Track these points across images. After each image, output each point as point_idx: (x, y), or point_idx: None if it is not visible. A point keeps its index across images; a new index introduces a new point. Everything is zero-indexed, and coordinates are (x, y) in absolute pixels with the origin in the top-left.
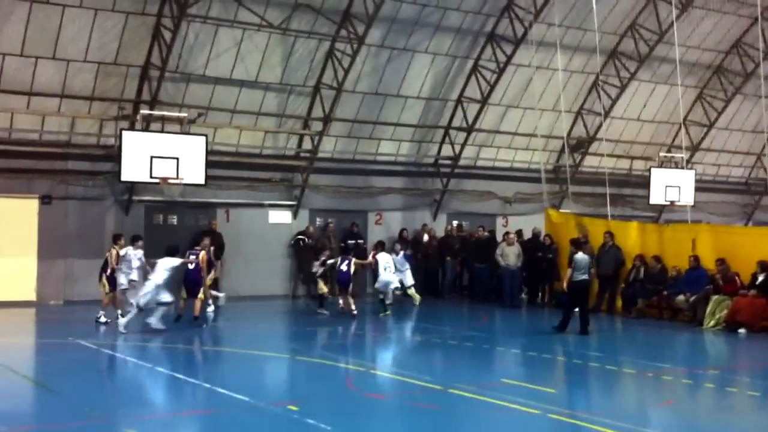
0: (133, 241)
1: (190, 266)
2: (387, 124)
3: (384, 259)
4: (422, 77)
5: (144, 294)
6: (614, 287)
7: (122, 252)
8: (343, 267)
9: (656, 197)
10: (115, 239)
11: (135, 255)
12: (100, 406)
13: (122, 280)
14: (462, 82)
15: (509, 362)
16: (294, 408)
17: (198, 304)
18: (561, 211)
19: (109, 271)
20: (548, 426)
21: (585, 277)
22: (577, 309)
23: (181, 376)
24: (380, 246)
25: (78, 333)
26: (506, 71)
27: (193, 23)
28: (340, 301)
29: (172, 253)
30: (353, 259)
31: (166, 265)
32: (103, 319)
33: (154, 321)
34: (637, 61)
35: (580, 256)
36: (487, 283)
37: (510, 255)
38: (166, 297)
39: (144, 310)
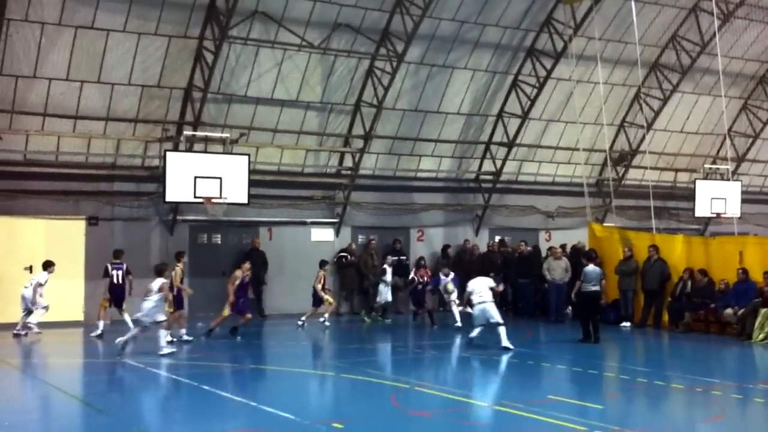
0: (46, 267)
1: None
2: (427, 140)
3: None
4: (462, 93)
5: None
6: (660, 301)
7: (41, 279)
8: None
9: (702, 210)
10: (178, 257)
11: (46, 279)
12: (146, 425)
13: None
14: (502, 97)
15: (555, 378)
16: (339, 426)
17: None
18: (605, 225)
19: (175, 290)
20: None
21: (596, 288)
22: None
23: (226, 395)
24: (422, 261)
25: (125, 352)
26: (546, 85)
27: (235, 45)
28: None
29: (488, 273)
30: (321, 272)
31: (485, 284)
32: (186, 338)
33: (504, 341)
34: (680, 72)
35: (590, 268)
36: (530, 298)
37: (557, 269)
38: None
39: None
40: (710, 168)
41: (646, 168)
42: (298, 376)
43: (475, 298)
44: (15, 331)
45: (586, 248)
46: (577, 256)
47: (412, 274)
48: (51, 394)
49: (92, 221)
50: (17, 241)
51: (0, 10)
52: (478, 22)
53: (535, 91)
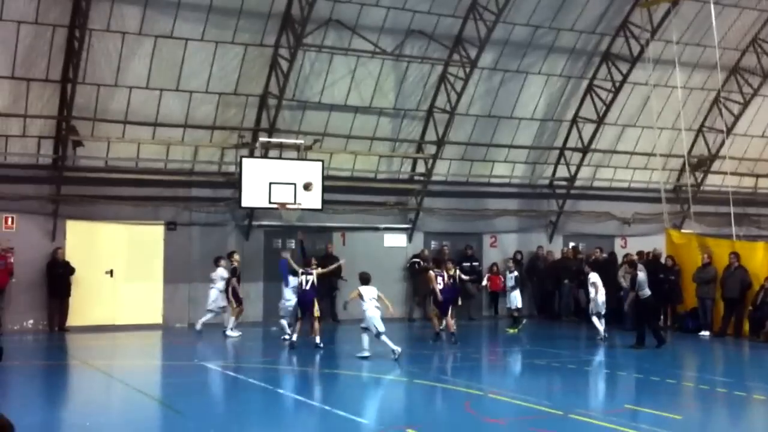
0: (218, 261)
1: (306, 287)
2: (501, 146)
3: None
4: (536, 98)
5: None
6: (741, 310)
7: (223, 274)
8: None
9: None
10: (308, 263)
11: (219, 275)
12: (223, 427)
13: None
14: (577, 102)
15: (632, 387)
16: None
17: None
18: (682, 231)
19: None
20: None
21: (649, 293)
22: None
23: (301, 398)
24: (494, 267)
25: (203, 355)
26: (622, 90)
27: (309, 52)
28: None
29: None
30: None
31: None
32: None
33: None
34: (760, 76)
35: (643, 275)
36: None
37: None
38: None
39: None
40: None
41: (725, 173)
42: (372, 381)
43: (600, 297)
44: (225, 333)
45: (663, 255)
46: (655, 264)
47: (485, 281)
48: (130, 395)
49: (170, 226)
50: (98, 245)
51: (83, 21)
52: (552, 27)
53: (611, 95)
